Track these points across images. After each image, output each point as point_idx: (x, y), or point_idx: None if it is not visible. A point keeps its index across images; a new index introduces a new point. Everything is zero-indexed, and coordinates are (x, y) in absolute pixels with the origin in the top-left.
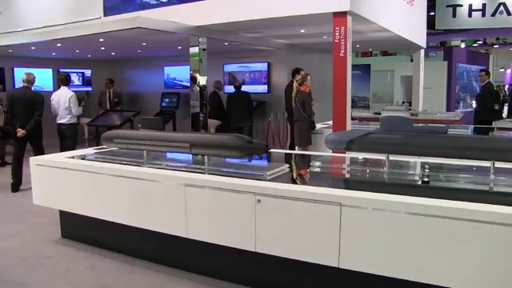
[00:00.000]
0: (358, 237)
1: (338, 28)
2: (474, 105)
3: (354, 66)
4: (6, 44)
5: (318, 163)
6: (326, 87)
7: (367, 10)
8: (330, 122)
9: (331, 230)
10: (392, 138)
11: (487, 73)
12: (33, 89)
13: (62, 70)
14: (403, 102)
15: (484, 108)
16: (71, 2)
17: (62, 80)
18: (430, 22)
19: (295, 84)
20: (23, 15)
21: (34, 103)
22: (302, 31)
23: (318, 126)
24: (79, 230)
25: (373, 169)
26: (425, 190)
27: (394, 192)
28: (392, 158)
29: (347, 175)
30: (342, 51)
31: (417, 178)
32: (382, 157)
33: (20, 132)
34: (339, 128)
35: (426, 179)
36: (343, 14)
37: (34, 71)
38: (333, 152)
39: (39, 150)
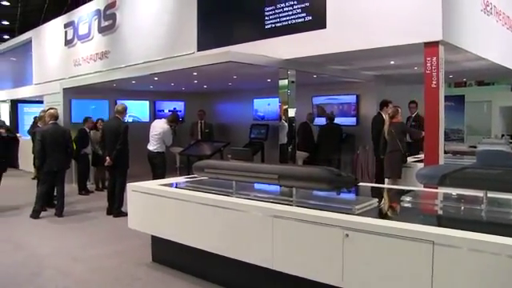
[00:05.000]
0: (453, 278)
1: (429, 58)
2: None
3: (447, 97)
4: (111, 79)
5: (408, 198)
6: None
7: (461, 38)
8: (421, 156)
9: (423, 270)
10: (491, 173)
11: (415, 103)
12: (126, 119)
13: (158, 103)
14: (503, 135)
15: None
16: (168, 40)
17: (170, 119)
18: None
19: (387, 117)
20: (127, 53)
21: (118, 133)
22: (392, 62)
23: (409, 159)
24: (169, 255)
25: (468, 206)
26: None
27: (492, 232)
28: (490, 194)
29: (440, 212)
30: (434, 82)
31: None
32: (479, 193)
33: (107, 161)
34: (431, 162)
35: None
36: (435, 43)
37: (133, 103)
38: (424, 187)
39: (121, 179)
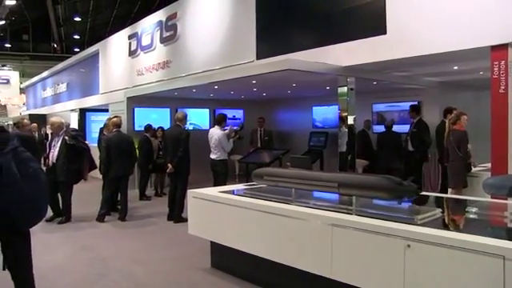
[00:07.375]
0: None
1: (496, 62)
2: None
3: None
4: (173, 88)
5: (474, 209)
6: (482, 127)
7: None
8: (488, 165)
9: (491, 286)
10: None
11: (415, 108)
12: (187, 127)
13: (217, 111)
14: None
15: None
16: (228, 48)
17: (217, 120)
18: None
19: (448, 123)
20: (188, 62)
21: (179, 140)
22: (456, 68)
23: (475, 168)
24: (227, 261)
25: None
26: None
27: None
28: None
29: (511, 225)
30: (502, 87)
31: None
32: None
33: (168, 168)
34: (499, 171)
35: None
36: (503, 46)
37: (193, 111)
38: (491, 197)
39: (182, 186)
